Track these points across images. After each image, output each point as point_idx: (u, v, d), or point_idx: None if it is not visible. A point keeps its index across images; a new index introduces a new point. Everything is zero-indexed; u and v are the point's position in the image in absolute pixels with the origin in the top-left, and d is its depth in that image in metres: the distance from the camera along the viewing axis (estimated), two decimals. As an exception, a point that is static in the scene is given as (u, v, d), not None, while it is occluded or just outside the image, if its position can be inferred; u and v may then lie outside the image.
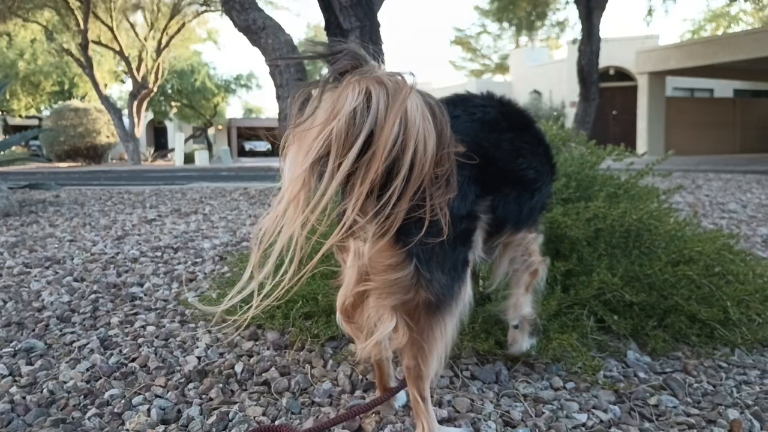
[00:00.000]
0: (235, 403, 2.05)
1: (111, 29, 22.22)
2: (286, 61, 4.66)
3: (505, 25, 23.39)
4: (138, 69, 23.87)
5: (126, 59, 23.51)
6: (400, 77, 1.35)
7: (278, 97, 4.48)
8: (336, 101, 1.32)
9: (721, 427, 1.85)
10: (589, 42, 12.54)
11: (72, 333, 2.77)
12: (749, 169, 12.95)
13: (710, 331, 2.48)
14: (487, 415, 1.93)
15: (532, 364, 2.27)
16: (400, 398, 2.00)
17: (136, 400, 2.09)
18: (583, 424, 1.88)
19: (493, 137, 1.82)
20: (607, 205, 2.81)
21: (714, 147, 21.47)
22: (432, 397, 1.91)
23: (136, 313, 3.03)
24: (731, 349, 2.43)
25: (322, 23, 4.53)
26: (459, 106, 1.87)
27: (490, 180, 1.72)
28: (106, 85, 25.28)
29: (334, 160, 1.31)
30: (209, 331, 2.72)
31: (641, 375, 2.23)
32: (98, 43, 22.86)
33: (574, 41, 16.43)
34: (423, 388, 1.66)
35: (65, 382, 2.24)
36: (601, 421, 1.90)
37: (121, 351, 2.53)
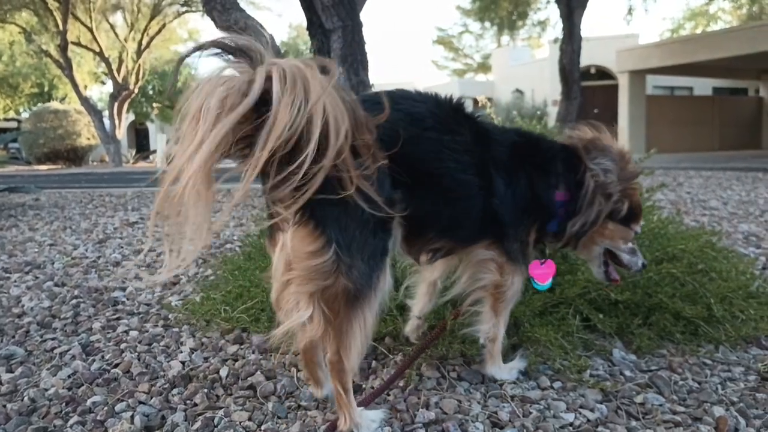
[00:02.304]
0: (221, 408, 2.03)
1: (90, 30, 21.96)
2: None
3: (487, 24, 23.48)
4: (118, 70, 23.61)
5: (106, 60, 23.25)
6: (301, 64, 1.44)
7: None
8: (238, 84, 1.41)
9: (707, 425, 1.86)
10: (571, 41, 12.62)
11: (53, 339, 2.72)
12: (729, 166, 13.10)
13: (694, 329, 2.49)
14: (475, 416, 1.92)
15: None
16: (327, 387, 2.00)
17: (119, 406, 2.05)
18: (571, 424, 1.88)
19: (412, 131, 1.76)
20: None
21: (694, 144, 21.69)
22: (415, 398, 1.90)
23: (118, 318, 2.99)
24: (715, 347, 2.44)
25: (304, 23, 4.50)
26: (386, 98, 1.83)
27: (404, 174, 1.70)
28: (86, 87, 25.02)
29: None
30: (193, 335, 2.68)
31: (627, 373, 2.23)
32: (78, 44, 22.58)
33: (555, 40, 16.54)
34: (345, 380, 1.74)
35: (46, 390, 2.20)
36: (588, 420, 1.91)
37: (103, 357, 2.50)
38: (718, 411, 1.92)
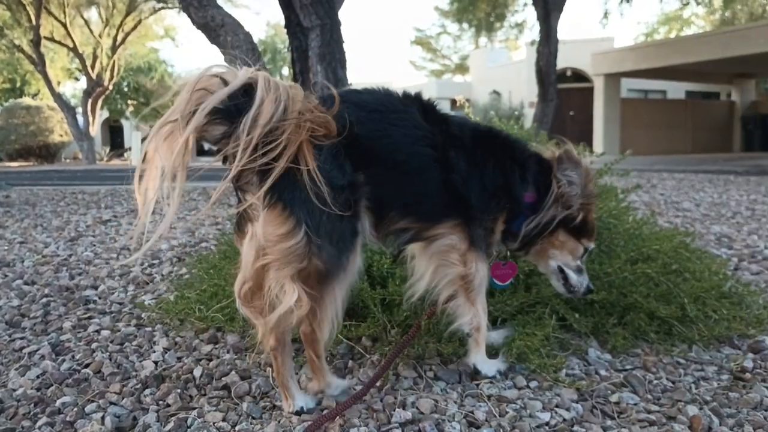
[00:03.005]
0: (194, 408, 2.00)
1: (64, 25, 21.61)
2: (245, 60, 4.58)
3: (465, 26, 23.53)
4: (93, 66, 23.27)
5: (80, 56, 22.91)
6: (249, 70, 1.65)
7: (237, 96, 4.41)
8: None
9: (681, 424, 1.87)
10: (547, 43, 12.70)
11: (22, 339, 2.66)
12: (701, 168, 13.30)
13: (668, 328, 2.51)
14: (452, 415, 1.92)
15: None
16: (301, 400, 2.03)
17: (89, 407, 2.01)
18: (547, 423, 1.88)
19: (358, 115, 1.85)
20: (567, 204, 2.83)
21: (667, 147, 21.98)
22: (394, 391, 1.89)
23: (89, 317, 2.94)
24: (689, 346, 2.47)
25: (283, 21, 4.47)
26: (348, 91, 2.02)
27: (361, 157, 1.82)
28: (59, 83, 24.57)
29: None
30: (167, 335, 2.64)
31: (602, 372, 2.24)
32: (51, 39, 22.21)
33: (532, 43, 16.63)
34: (318, 349, 1.91)
35: (14, 390, 2.15)
36: (564, 419, 1.91)
37: (73, 357, 2.45)
38: (692, 410, 1.94)
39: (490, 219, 2.11)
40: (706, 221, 5.80)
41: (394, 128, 1.93)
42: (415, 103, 2.02)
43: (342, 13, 4.43)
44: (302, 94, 1.71)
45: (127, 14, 22.95)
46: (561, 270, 2.26)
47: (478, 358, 2.16)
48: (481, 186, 2.04)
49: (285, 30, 4.48)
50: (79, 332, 2.73)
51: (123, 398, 2.08)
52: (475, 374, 2.17)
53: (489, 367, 2.16)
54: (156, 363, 2.36)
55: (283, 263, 1.69)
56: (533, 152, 2.23)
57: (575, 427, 1.87)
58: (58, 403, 2.04)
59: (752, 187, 9.12)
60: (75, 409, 2.00)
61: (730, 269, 3.61)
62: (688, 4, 18.74)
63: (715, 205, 7.06)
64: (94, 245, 4.78)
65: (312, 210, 1.67)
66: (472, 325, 2.13)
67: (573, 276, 2.26)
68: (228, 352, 2.45)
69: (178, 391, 2.10)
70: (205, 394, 2.11)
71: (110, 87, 24.55)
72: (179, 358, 2.41)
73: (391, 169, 1.94)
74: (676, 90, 25.65)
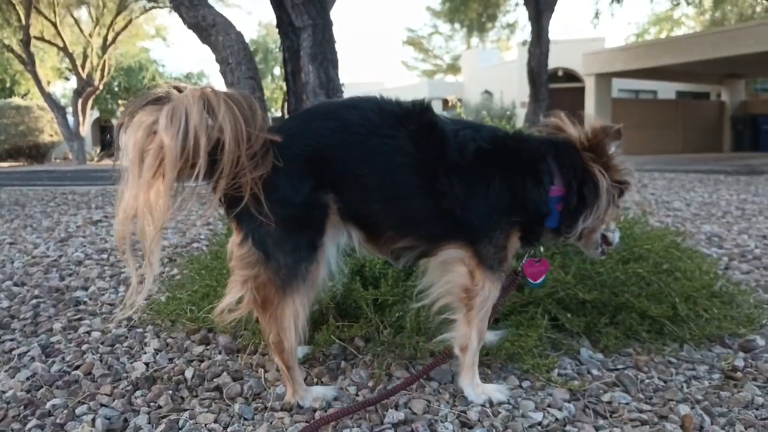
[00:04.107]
0: (186, 410, 1.99)
1: (54, 25, 21.45)
2: (237, 59, 4.57)
3: (457, 26, 23.56)
4: (83, 66, 23.11)
5: (70, 56, 22.74)
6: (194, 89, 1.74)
7: (229, 96, 4.39)
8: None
9: (673, 423, 1.88)
10: (539, 44, 12.74)
11: (12, 340, 2.65)
12: (691, 168, 13.36)
13: (660, 328, 2.52)
14: (444, 416, 1.92)
15: (488, 364, 2.27)
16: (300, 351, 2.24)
17: (79, 409, 2.00)
18: (539, 423, 1.89)
19: (336, 138, 1.88)
20: (559, 204, 2.83)
21: (658, 147, 22.04)
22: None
23: (80, 319, 2.92)
24: (680, 345, 2.48)
25: (274, 21, 4.45)
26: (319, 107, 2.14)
27: (335, 178, 1.88)
28: (49, 83, 24.36)
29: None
30: (158, 336, 2.63)
31: (594, 372, 2.25)
32: (41, 39, 22.03)
33: (524, 43, 16.66)
34: (287, 358, 1.94)
35: (4, 392, 2.14)
36: (557, 419, 1.91)
37: (63, 358, 2.43)
38: (684, 409, 1.95)
39: (501, 236, 1.99)
40: (696, 221, 5.83)
41: (375, 155, 1.90)
42: (409, 123, 1.93)
43: (334, 13, 4.42)
44: (246, 116, 1.77)
45: (118, 13, 22.80)
46: (603, 236, 2.20)
47: (465, 381, 2.06)
48: (487, 206, 1.94)
49: (277, 30, 4.46)
50: (69, 333, 2.72)
51: (114, 400, 2.07)
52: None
53: (477, 393, 2.03)
54: (147, 364, 2.35)
55: (237, 267, 1.89)
56: (547, 145, 2.09)
57: (567, 427, 1.87)
58: (48, 405, 2.03)
59: (742, 187, 9.17)
60: (65, 411, 1.98)
61: (720, 269, 3.63)
62: (678, 4, 18.82)
63: (705, 204, 7.09)
64: (85, 246, 4.76)
65: (258, 223, 1.79)
66: (460, 345, 2.04)
67: (613, 236, 2.20)
68: (220, 353, 2.44)
69: (170, 392, 2.09)
70: (196, 396, 2.10)
71: (101, 87, 24.39)
72: (171, 360, 2.40)
73: (373, 193, 1.92)
74: (667, 90, 25.75)
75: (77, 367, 2.34)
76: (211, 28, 4.55)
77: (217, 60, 4.56)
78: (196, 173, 1.71)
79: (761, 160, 15.18)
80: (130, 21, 23.77)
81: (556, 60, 17.24)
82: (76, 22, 23.45)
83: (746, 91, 24.97)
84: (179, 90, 1.76)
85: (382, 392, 2.02)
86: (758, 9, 22.45)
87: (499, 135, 2.06)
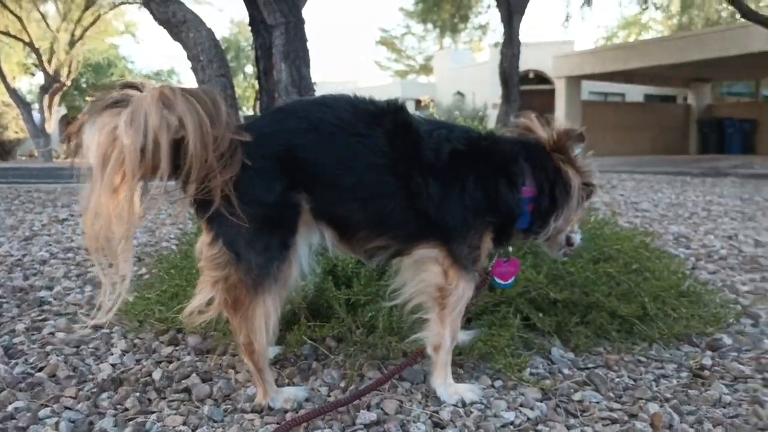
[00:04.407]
0: (153, 412, 1.95)
1: (20, 19, 21.00)
2: (208, 57, 4.51)
3: (429, 26, 23.63)
4: (50, 62, 22.66)
5: (36, 51, 22.28)
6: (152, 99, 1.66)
7: (200, 93, 4.33)
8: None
9: (642, 421, 1.89)
10: (510, 45, 12.82)
11: (-28, 341, 2.57)
12: (659, 170, 13.59)
13: (630, 327, 2.55)
14: (416, 416, 1.91)
15: (461, 364, 2.27)
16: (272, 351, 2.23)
17: (43, 412, 1.94)
18: (511, 423, 1.89)
19: (308, 137, 1.85)
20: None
21: (626, 149, 22.37)
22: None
23: (44, 319, 2.85)
24: (649, 344, 2.50)
25: (246, 19, 4.41)
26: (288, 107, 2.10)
27: (308, 178, 1.85)
28: (14, 78, 23.86)
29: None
30: (125, 337, 2.58)
31: (565, 371, 2.26)
32: (6, 33, 21.55)
33: (496, 44, 16.80)
34: (257, 360, 1.90)
35: (-37, 396, 2.07)
36: (529, 418, 1.92)
37: (27, 360, 2.37)
38: (653, 408, 1.96)
39: (476, 237, 2.00)
40: (664, 221, 5.92)
41: (349, 153, 1.88)
42: (385, 122, 1.91)
43: (306, 12, 4.38)
44: (210, 114, 1.72)
45: (86, 9, 22.41)
46: (567, 237, 2.21)
47: (437, 381, 2.04)
48: (461, 207, 1.93)
49: (249, 27, 4.42)
50: (33, 334, 2.65)
51: (79, 403, 2.01)
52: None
53: (449, 393, 2.02)
54: (113, 366, 2.30)
55: (207, 268, 1.87)
56: (519, 146, 2.10)
57: (539, 426, 1.88)
58: (10, 408, 1.97)
59: (708, 188, 9.35)
60: (28, 414, 1.92)
61: (688, 268, 3.69)
62: (647, 8, 19.12)
63: (672, 205, 7.21)
64: (50, 245, 4.65)
65: (227, 224, 1.75)
66: (433, 344, 2.03)
67: (576, 237, 2.23)
68: (189, 353, 2.40)
69: (137, 394, 2.04)
70: (164, 398, 2.06)
71: (68, 83, 23.96)
72: (138, 361, 2.35)
73: (348, 193, 1.90)
74: (635, 93, 26.17)
75: (41, 369, 2.28)
76: (181, 25, 4.48)
77: (188, 57, 4.48)
78: (159, 175, 1.68)
79: (726, 162, 15.50)
80: (99, 17, 23.38)
81: (527, 62, 17.38)
82: (43, 17, 22.97)
83: (712, 94, 25.50)
84: (139, 89, 1.71)
85: (354, 392, 2.00)
86: (724, 14, 22.93)
87: (473, 135, 2.06)
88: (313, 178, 1.87)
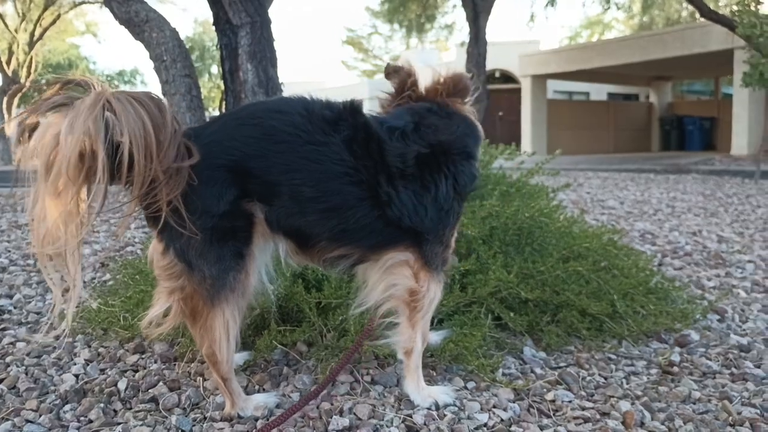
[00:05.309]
0: (119, 423, 1.89)
1: (-24, 19, 20.49)
2: (172, 57, 4.43)
3: (396, 26, 23.62)
4: (8, 63, 22.08)
5: (-7, 52, 21.76)
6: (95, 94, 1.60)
7: (164, 94, 4.24)
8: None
9: (614, 419, 1.90)
10: (476, 45, 12.89)
11: (-73, 354, 2.47)
12: (623, 167, 13.79)
13: (599, 325, 2.56)
14: (390, 420, 1.89)
15: (433, 366, 2.25)
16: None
17: (3, 426, 1.88)
18: (485, 424, 1.88)
19: (261, 146, 1.78)
20: (500, 203, 2.85)
21: (591, 147, 22.68)
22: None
23: (3, 329, 2.76)
24: (619, 341, 2.52)
25: (211, 18, 4.34)
26: (236, 113, 1.98)
27: (256, 187, 1.79)
28: (-29, 80, 23.25)
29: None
30: (89, 345, 2.50)
31: (538, 371, 2.26)
32: (-39, 33, 21.02)
33: (462, 44, 16.86)
34: (222, 370, 1.87)
35: None
36: (502, 420, 1.91)
37: (-15, 372, 2.28)
38: (625, 405, 1.97)
39: (450, 233, 2.00)
40: (630, 218, 6.00)
41: (305, 162, 1.79)
42: (344, 128, 1.83)
43: (272, 11, 4.33)
44: (156, 121, 1.63)
45: (45, 8, 21.87)
46: None
47: (410, 385, 2.02)
48: (436, 207, 1.90)
49: (213, 27, 4.35)
50: (-9, 345, 2.56)
51: (40, 415, 1.95)
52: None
53: (422, 397, 2.00)
54: (77, 376, 2.23)
55: (161, 278, 1.84)
56: (461, 116, 2.10)
57: (513, 427, 1.87)
58: (-33, 423, 1.89)
59: (671, 185, 9.52)
60: (-13, 429, 1.86)
61: (654, 265, 3.73)
62: (609, 8, 19.37)
63: (637, 202, 7.32)
64: (9, 251, 4.51)
65: (178, 234, 1.71)
66: (404, 348, 2.01)
67: None
68: (155, 362, 2.34)
69: (101, 405, 1.98)
70: (130, 408, 2.00)
71: (27, 84, 23.39)
72: (102, 370, 2.28)
73: (305, 204, 1.81)
74: (599, 92, 26.53)
75: (1, 381, 2.20)
76: (144, 24, 4.39)
77: (150, 57, 4.39)
78: (98, 182, 1.61)
79: (687, 159, 15.80)
80: (59, 16, 22.87)
81: (493, 61, 17.52)
82: (1, 17, 22.38)
83: (673, 92, 26.01)
84: (84, 88, 1.66)
85: (315, 388, 1.97)
86: (684, 14, 23.40)
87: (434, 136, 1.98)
88: (267, 190, 1.80)
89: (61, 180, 1.59)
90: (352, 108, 1.89)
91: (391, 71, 2.22)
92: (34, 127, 1.63)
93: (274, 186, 1.79)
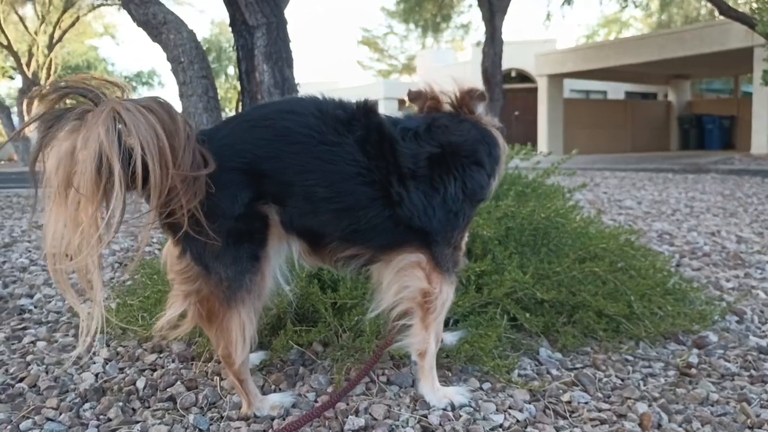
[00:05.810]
0: (137, 422, 1.91)
1: (-3, 22, 20.75)
2: (189, 58, 4.46)
3: (412, 26, 23.60)
4: (28, 65, 22.38)
5: (15, 54, 21.99)
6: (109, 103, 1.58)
7: (181, 95, 4.28)
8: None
9: (631, 421, 1.89)
10: (492, 44, 12.85)
11: (-50, 352, 2.51)
12: (641, 167, 13.69)
13: (616, 326, 2.55)
14: (405, 421, 1.89)
15: (448, 366, 2.25)
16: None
17: (24, 424, 1.90)
18: (501, 425, 1.88)
19: (274, 147, 1.78)
20: (516, 203, 2.84)
21: (608, 146, 22.55)
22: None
23: (24, 328, 2.80)
24: (636, 343, 2.51)
25: (227, 20, 4.36)
26: (246, 115, 2.00)
27: (270, 189, 1.79)
28: (-8, 82, 23.59)
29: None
30: (108, 345, 2.54)
31: (554, 372, 2.25)
32: (-18, 36, 21.30)
33: (478, 43, 16.83)
34: (238, 371, 1.90)
35: (-59, 409, 2.02)
36: (518, 421, 1.91)
37: (7, 370, 2.32)
38: (642, 407, 1.96)
39: (459, 236, 2.00)
40: (647, 218, 5.95)
41: (319, 162, 1.79)
42: (357, 128, 1.84)
43: (288, 12, 4.35)
44: (168, 129, 1.60)
45: (65, 11, 22.13)
46: None
47: (425, 387, 2.03)
48: (445, 209, 1.90)
49: (230, 28, 4.38)
50: (13, 344, 2.60)
51: (61, 414, 1.98)
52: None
53: (438, 398, 2.00)
54: (96, 375, 2.26)
55: (177, 282, 1.85)
56: (470, 125, 2.09)
57: (528, 428, 1.87)
58: (-11, 420, 1.93)
59: (690, 185, 9.43)
60: (9, 426, 1.89)
61: (672, 266, 3.70)
62: (626, 6, 19.24)
63: (655, 202, 7.26)
64: (30, 251, 4.58)
65: (194, 238, 1.70)
66: (418, 350, 2.01)
67: None
68: (173, 361, 2.36)
69: (120, 404, 2.01)
70: (149, 407, 2.02)
71: (47, 86, 23.67)
72: (121, 369, 2.31)
73: (318, 204, 1.82)
74: (616, 90, 26.35)
75: (21, 380, 2.23)
76: (161, 26, 4.43)
77: (168, 59, 4.43)
78: (115, 196, 1.56)
79: (707, 158, 15.65)
80: (78, 18, 23.12)
81: (509, 61, 17.43)
82: (21, 19, 22.68)
83: (692, 91, 25.76)
84: (95, 100, 1.62)
85: (336, 393, 1.97)
86: (702, 11, 23.16)
87: (446, 138, 1.99)
88: (281, 191, 1.80)
89: (80, 197, 1.57)
90: (366, 108, 1.90)
91: (413, 97, 2.23)
92: (48, 143, 1.62)
93: (288, 186, 1.80)
